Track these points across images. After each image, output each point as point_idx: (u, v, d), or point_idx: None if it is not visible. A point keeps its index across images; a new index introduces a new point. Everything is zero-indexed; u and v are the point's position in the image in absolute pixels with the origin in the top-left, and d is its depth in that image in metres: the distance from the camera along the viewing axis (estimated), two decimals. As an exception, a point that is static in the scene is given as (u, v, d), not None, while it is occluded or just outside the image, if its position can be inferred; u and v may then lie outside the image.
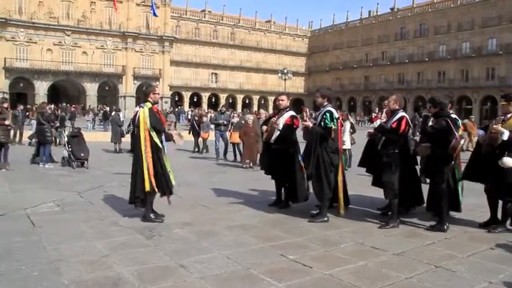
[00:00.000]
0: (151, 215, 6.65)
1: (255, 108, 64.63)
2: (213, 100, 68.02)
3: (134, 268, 4.65)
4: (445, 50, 60.22)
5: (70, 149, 12.94)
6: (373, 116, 7.10)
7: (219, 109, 24.48)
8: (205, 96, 68.81)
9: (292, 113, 7.60)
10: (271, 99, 71.82)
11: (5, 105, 13.27)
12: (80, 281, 4.32)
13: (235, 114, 32.16)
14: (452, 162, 6.52)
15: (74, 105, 48.98)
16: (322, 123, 6.82)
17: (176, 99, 66.30)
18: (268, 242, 5.70)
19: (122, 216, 6.93)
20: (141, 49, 60.76)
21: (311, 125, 6.97)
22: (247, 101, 71.50)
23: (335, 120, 6.84)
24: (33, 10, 53.33)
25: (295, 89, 71.99)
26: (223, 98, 69.75)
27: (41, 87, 54.28)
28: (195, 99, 67.70)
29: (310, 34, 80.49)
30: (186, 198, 8.35)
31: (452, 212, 7.03)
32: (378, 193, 7.76)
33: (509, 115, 6.29)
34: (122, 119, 18.32)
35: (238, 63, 71.13)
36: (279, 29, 76.85)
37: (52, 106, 21.07)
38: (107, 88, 58.56)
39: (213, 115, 21.70)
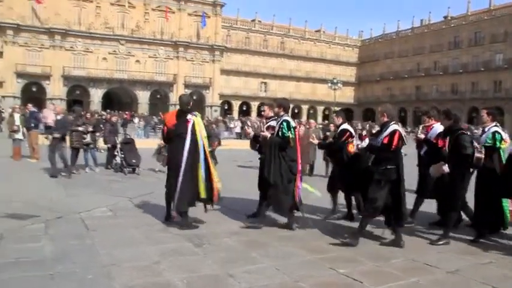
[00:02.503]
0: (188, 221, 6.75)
1: (304, 117, 64.29)
2: (262, 109, 68.23)
3: (184, 275, 4.71)
4: (502, 59, 58.13)
5: (122, 156, 13.27)
6: (363, 134, 7.22)
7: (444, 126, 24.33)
8: (254, 105, 69.14)
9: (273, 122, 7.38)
10: (320, 109, 71.47)
11: (88, 115, 15.10)
12: (131, 286, 4.42)
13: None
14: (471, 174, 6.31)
15: (126, 113, 50.36)
16: (280, 132, 6.79)
17: (226, 108, 66.96)
18: (316, 254, 5.65)
19: (172, 223, 7.03)
20: (192, 58, 61.90)
21: (269, 135, 6.92)
22: (296, 111, 71.29)
23: (292, 129, 6.81)
24: (90, 21, 55.49)
25: (344, 99, 71.33)
26: (272, 107, 69.80)
27: (96, 95, 56.27)
28: (244, 108, 68.17)
29: (361, 44, 79.64)
30: (233, 207, 8.36)
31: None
32: (426, 207, 7.60)
33: None
34: None
35: (288, 72, 71.16)
36: (328, 38, 76.45)
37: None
38: (158, 96, 59.93)
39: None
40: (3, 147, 16.87)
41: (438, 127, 7.11)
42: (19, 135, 15.29)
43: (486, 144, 6.61)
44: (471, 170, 6.37)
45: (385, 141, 6.10)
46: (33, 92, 51.85)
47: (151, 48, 59.38)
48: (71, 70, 55.08)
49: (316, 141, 8.49)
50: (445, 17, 66.99)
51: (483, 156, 6.21)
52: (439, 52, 65.44)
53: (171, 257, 5.35)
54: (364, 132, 7.31)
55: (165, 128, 7.03)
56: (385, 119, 6.30)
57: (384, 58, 73.92)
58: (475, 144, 6.21)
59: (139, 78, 58.35)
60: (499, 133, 6.73)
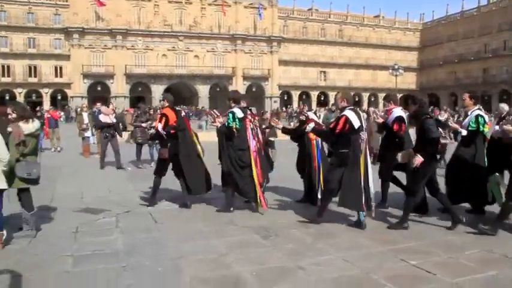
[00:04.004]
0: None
1: (365, 105, 63.03)
2: (322, 98, 67.54)
3: (252, 268, 4.70)
4: None
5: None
6: (309, 118, 7.64)
7: (328, 107, 24.13)
8: (314, 94, 68.48)
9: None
10: (381, 96, 69.80)
11: (151, 111, 15.98)
12: (201, 278, 4.45)
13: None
14: (438, 160, 6.38)
15: (187, 107, 51.35)
16: (226, 123, 7.20)
17: (285, 98, 66.78)
18: (386, 245, 5.48)
19: (237, 215, 7.07)
20: (250, 50, 62.12)
21: (219, 125, 7.35)
22: (356, 99, 70.03)
23: (237, 120, 7.13)
24: (149, 19, 56.87)
25: (406, 85, 69.13)
26: (332, 96, 68.77)
27: (157, 91, 57.64)
28: (304, 98, 67.69)
29: (422, 27, 76.74)
30: (299, 197, 8.24)
31: None
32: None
33: None
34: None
35: (347, 60, 69.83)
36: (388, 23, 74.24)
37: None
38: (217, 89, 60.66)
39: (322, 114, 21.31)
40: (73, 145, 17.61)
41: (397, 111, 7.16)
42: (88, 133, 15.90)
43: (470, 128, 6.68)
44: (438, 156, 6.44)
45: (331, 125, 6.39)
46: (98, 91, 53.91)
47: (209, 42, 60.09)
48: (132, 68, 56.80)
49: (280, 126, 8.80)
50: (515, -8, 63.19)
51: (448, 142, 6.34)
52: (509, 31, 61.70)
53: (239, 249, 5.36)
54: (311, 116, 7.55)
55: (162, 125, 7.64)
56: (344, 104, 6.42)
57: (447, 41, 70.82)
58: (440, 130, 6.18)
59: (199, 73, 59.23)
60: (482, 116, 6.75)
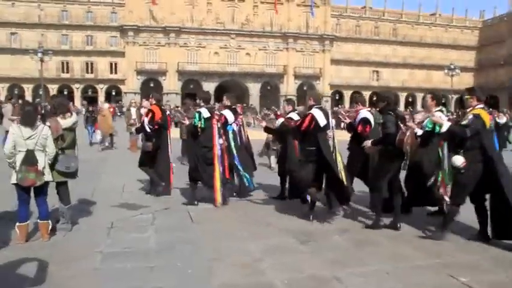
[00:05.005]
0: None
1: (419, 107, 61.08)
2: (375, 99, 65.89)
3: (286, 276, 4.41)
4: None
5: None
6: (278, 114, 8.36)
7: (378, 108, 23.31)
8: (366, 94, 66.66)
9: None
10: (437, 96, 67.32)
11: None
12: (231, 284, 4.22)
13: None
14: (405, 157, 6.24)
15: (238, 105, 51.36)
16: (193, 121, 7.58)
17: (337, 98, 65.79)
18: (432, 258, 5.02)
19: (277, 217, 6.78)
20: (301, 49, 61.54)
21: (188, 123, 8.02)
22: (410, 99, 68.15)
23: (203, 120, 7.45)
24: (202, 17, 57.38)
25: (462, 86, 66.19)
26: (385, 96, 67.19)
27: (208, 88, 58.04)
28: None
29: (482, 25, 73.62)
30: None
31: None
32: None
33: (468, 109, 5.74)
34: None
35: (401, 60, 67.93)
36: (445, 21, 71.63)
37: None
38: (268, 88, 60.49)
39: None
40: (121, 140, 17.82)
41: (363, 113, 7.25)
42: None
43: (426, 129, 6.38)
44: (405, 157, 6.27)
45: (298, 122, 6.64)
46: (150, 88, 54.88)
47: (261, 40, 59.98)
48: (184, 65, 57.53)
49: (264, 124, 9.04)
50: None
51: (405, 138, 6.05)
52: None
53: (275, 254, 5.08)
54: (279, 112, 7.53)
55: (148, 119, 8.18)
56: (311, 103, 6.66)
57: (509, 38, 67.51)
58: (402, 126, 6.15)
59: (250, 71, 59.25)
60: None
